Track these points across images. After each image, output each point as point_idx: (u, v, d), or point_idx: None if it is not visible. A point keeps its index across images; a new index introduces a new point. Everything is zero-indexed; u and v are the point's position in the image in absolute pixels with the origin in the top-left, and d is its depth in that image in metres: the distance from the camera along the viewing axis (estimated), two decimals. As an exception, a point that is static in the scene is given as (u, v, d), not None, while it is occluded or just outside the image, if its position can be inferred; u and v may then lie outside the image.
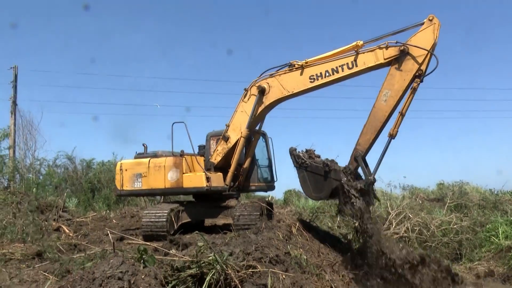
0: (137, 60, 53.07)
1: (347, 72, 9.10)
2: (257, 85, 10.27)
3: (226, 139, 10.81)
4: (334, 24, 66.39)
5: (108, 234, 10.57)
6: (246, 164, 11.33)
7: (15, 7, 46.09)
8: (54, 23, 48.79)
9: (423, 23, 8.35)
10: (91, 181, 21.03)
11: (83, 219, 14.78)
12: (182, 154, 10.94)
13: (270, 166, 12.31)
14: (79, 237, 11.27)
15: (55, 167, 21.37)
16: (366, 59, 8.89)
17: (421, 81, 8.43)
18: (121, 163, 11.71)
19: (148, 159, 11.40)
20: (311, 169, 9.21)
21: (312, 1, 66.90)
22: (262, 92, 10.20)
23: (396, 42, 8.52)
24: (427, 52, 8.24)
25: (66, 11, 49.51)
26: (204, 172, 10.62)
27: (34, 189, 16.43)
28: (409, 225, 11.55)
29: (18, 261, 7.90)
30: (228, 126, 10.77)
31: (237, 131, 10.65)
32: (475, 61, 61.97)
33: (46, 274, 6.02)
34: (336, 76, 9.27)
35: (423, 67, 8.38)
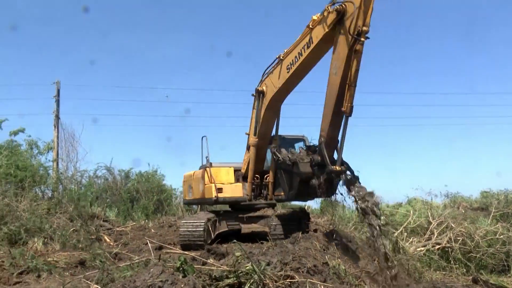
0: (171, 72, 54.23)
1: (307, 52, 8.23)
2: (256, 88, 10.10)
3: (248, 148, 10.87)
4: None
5: (147, 243, 10.77)
6: (271, 173, 10.86)
7: (57, 25, 48.16)
8: (91, 40, 50.62)
9: None
10: (129, 191, 21.52)
11: (123, 229, 15.15)
12: (207, 166, 11.21)
13: None
14: (119, 246, 11.54)
15: (95, 178, 22.03)
16: (317, 32, 7.97)
17: (366, 39, 7.15)
18: (183, 175, 12.41)
19: (194, 171, 11.93)
20: (282, 166, 8.93)
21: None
22: (261, 95, 9.97)
23: (333, 4, 7.50)
24: (359, 2, 7.02)
25: (101, 27, 51.28)
26: (214, 183, 10.85)
27: (77, 199, 16.96)
28: (451, 235, 11.14)
29: (62, 269, 8.17)
30: (248, 134, 10.84)
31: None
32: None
33: (89, 282, 6.19)
34: (301, 59, 8.44)
35: (359, 22, 7.11)
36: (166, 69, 52.91)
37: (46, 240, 10.69)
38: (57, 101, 24.24)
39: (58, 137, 23.65)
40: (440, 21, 55.72)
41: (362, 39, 7.16)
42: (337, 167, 7.91)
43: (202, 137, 11.43)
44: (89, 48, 48.47)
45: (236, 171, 11.57)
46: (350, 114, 7.56)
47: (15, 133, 19.68)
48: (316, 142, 9.14)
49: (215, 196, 10.80)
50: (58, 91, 24.31)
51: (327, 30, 7.71)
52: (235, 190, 11.17)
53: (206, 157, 11.57)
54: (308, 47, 8.23)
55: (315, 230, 12.03)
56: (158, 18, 54.19)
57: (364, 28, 7.12)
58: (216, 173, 11.24)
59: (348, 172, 8.02)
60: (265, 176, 11.16)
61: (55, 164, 22.32)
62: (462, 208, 15.78)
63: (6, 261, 8.24)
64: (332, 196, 8.61)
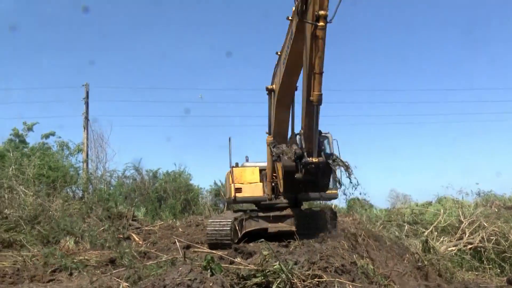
0: (198, 72, 54.76)
1: (291, 44, 8.03)
2: (266, 87, 10.14)
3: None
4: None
5: (175, 242, 10.89)
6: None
7: (84, 29, 49.24)
8: (117, 42, 51.55)
9: None
10: (157, 191, 21.82)
11: (151, 228, 15.36)
12: (233, 167, 11.47)
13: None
14: (148, 245, 11.71)
15: (124, 178, 22.43)
16: (294, 23, 7.79)
17: (326, 23, 6.82)
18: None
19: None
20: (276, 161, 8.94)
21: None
22: (272, 92, 9.95)
23: None
24: None
25: (127, 30, 52.16)
26: (233, 183, 11.07)
27: (107, 199, 17.32)
28: (484, 234, 10.85)
29: (93, 267, 8.34)
30: (267, 134, 10.92)
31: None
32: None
33: (119, 280, 6.29)
34: (289, 52, 8.24)
35: (316, 7, 6.81)
36: (192, 70, 53.50)
37: (77, 239, 10.94)
38: (86, 103, 24.73)
39: (88, 139, 24.11)
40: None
41: (321, 23, 6.82)
42: (313, 159, 7.76)
43: (229, 138, 11.60)
44: (116, 51, 49.44)
45: (262, 170, 11.60)
46: (318, 103, 7.35)
47: (46, 136, 20.24)
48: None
49: (233, 196, 11.00)
50: (87, 93, 24.79)
51: (297, 19, 7.52)
52: (255, 190, 11.24)
53: (246, 156, 11.86)
54: (291, 39, 8.06)
55: (343, 229, 11.91)
56: (182, 19, 54.78)
57: (322, 12, 6.79)
58: (240, 173, 11.42)
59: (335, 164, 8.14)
60: None
61: (85, 165, 22.82)
62: (495, 207, 15.34)
63: (40, 260, 8.48)
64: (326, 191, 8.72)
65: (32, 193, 13.22)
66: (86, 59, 49.06)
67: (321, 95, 7.29)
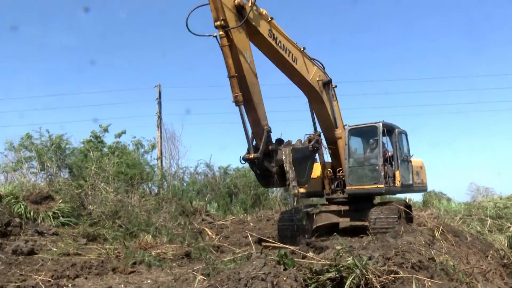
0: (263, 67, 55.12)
1: None
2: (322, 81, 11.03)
3: None
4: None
5: (247, 236, 11.07)
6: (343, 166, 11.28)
7: (153, 32, 51.30)
8: (187, 44, 53.31)
9: None
10: (228, 186, 22.26)
11: (223, 222, 15.72)
12: None
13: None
14: (220, 239, 12.00)
15: (196, 174, 23.13)
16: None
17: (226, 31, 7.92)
18: None
19: None
20: None
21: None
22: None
23: None
24: None
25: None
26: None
27: (180, 195, 17.99)
28: None
29: (170, 260, 8.70)
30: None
31: None
32: None
33: (195, 273, 6.51)
34: None
35: (213, 20, 8.06)
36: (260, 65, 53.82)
37: (155, 233, 11.46)
38: (159, 103, 25.78)
39: (161, 137, 25.11)
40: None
41: (220, 32, 7.98)
42: (250, 155, 8.44)
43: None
44: (185, 50, 51.07)
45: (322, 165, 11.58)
46: (236, 104, 8.12)
47: (119, 135, 21.40)
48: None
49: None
50: (160, 93, 25.82)
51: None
52: (314, 185, 11.14)
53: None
54: None
55: (418, 224, 11.45)
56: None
57: (216, 23, 7.97)
58: None
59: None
60: (337, 169, 11.15)
61: (159, 162, 23.81)
62: None
63: (122, 253, 9.00)
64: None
65: (112, 190, 14.01)
66: (156, 59, 51.25)
67: (235, 96, 8.04)
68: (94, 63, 51.76)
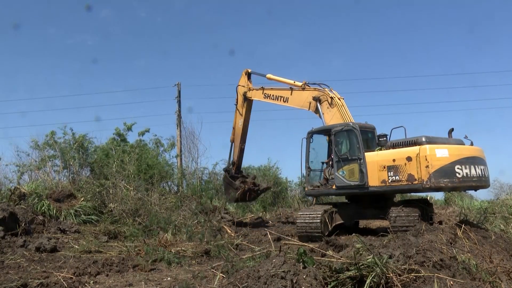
0: (283, 65, 55.09)
1: None
2: None
3: None
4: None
5: (266, 234, 11.08)
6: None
7: (173, 32, 51.65)
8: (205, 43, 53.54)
9: None
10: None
11: (242, 220, 15.76)
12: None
13: None
14: (240, 237, 12.03)
15: (214, 174, 23.19)
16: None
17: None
18: None
19: None
20: None
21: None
22: None
23: None
24: None
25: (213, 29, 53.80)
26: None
27: (200, 194, 18.10)
28: None
29: (190, 258, 8.76)
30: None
31: None
32: None
33: (214, 271, 6.55)
34: None
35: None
36: (277, 63, 53.87)
37: (174, 231, 11.56)
38: (179, 102, 25.86)
39: (181, 136, 25.23)
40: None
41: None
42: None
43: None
44: (205, 50, 51.29)
45: None
46: None
47: (142, 133, 21.61)
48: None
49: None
50: (179, 92, 25.93)
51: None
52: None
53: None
54: None
55: (440, 222, 11.27)
56: (266, 13, 55.26)
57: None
58: None
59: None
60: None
61: (178, 161, 23.96)
62: None
63: (143, 251, 9.11)
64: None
65: (132, 188, 14.20)
66: (177, 59, 51.63)
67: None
68: (114, 61, 52.25)
